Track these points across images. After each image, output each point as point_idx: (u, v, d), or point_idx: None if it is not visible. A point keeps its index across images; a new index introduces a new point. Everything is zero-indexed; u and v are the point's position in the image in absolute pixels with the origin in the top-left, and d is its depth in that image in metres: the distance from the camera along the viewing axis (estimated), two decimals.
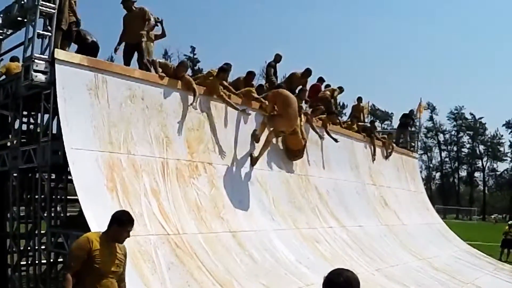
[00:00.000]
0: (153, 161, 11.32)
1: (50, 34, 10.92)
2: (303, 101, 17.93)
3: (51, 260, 11.73)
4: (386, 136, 25.38)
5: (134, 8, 13.51)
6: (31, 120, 13.11)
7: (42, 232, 11.67)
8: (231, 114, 14.09)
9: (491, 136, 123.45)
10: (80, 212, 9.78)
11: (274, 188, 14.56)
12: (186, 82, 12.84)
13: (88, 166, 9.98)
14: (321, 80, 21.35)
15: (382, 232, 18.76)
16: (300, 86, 19.20)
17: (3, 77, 13.33)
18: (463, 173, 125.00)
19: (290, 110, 14.85)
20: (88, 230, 8.95)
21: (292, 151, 15.90)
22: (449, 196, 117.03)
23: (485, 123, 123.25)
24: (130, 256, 9.00)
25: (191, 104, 12.59)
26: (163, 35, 14.52)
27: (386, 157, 23.65)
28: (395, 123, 32.01)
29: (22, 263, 12.52)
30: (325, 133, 18.06)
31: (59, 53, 10.58)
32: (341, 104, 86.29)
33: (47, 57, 10.65)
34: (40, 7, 10.70)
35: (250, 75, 16.61)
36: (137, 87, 11.66)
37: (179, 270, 9.74)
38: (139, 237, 9.62)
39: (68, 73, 10.50)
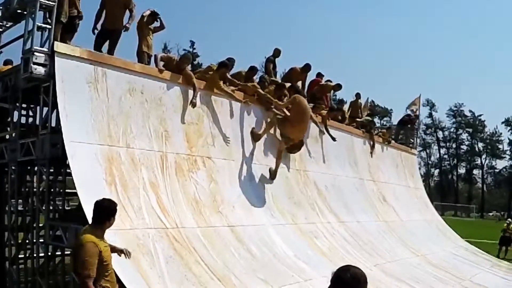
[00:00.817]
0: (152, 155, 11.31)
1: (50, 26, 10.90)
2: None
3: (49, 253, 11.69)
4: (384, 130, 25.43)
5: None
6: (30, 113, 13.06)
7: (40, 225, 11.66)
8: (231, 108, 14.12)
9: (490, 134, 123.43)
10: (79, 205, 9.76)
11: (273, 183, 14.55)
12: (187, 76, 12.84)
13: (87, 159, 9.97)
14: (320, 75, 21.27)
15: (381, 228, 18.77)
16: (300, 81, 19.18)
17: None
18: (462, 170, 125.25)
19: (304, 119, 15.12)
20: (87, 223, 8.96)
21: (291, 145, 15.80)
22: (447, 193, 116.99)
23: (484, 121, 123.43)
24: (128, 249, 9.07)
25: (191, 101, 12.61)
26: (161, 27, 14.51)
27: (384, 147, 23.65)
28: (395, 119, 31.98)
29: (20, 256, 12.51)
30: (324, 129, 18.03)
31: (59, 46, 10.56)
32: (337, 99, 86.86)
33: (46, 49, 10.63)
34: (40, 0, 10.68)
35: (253, 71, 16.47)
36: (136, 81, 11.66)
37: (177, 264, 9.74)
38: (137, 231, 9.64)
39: (68, 66, 10.50)
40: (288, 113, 14.98)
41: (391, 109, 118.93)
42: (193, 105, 12.63)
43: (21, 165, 12.16)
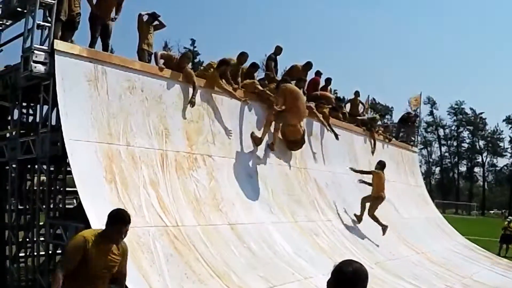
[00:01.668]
0: (152, 153, 11.32)
1: (49, 25, 10.92)
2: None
3: (50, 252, 11.70)
4: (383, 129, 25.42)
5: None
6: (30, 111, 13.07)
7: (40, 223, 11.67)
8: (231, 106, 14.13)
9: (491, 131, 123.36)
10: (79, 203, 9.77)
11: (273, 181, 14.55)
12: (187, 74, 12.86)
13: (87, 157, 9.98)
14: (318, 73, 21.23)
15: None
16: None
17: None
18: (463, 168, 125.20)
19: (299, 103, 15.12)
20: (87, 221, 8.99)
21: (291, 142, 15.91)
22: (448, 191, 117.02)
23: (485, 118, 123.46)
24: (128, 247, 9.05)
25: (190, 99, 12.63)
26: (162, 25, 14.54)
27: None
28: (396, 117, 31.97)
29: (20, 254, 12.53)
30: (328, 127, 18.01)
31: (59, 44, 10.57)
32: (340, 98, 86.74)
33: (46, 48, 10.66)
34: None
35: (254, 68, 16.44)
36: (136, 79, 11.67)
37: (177, 262, 9.73)
38: (137, 229, 9.62)
39: (68, 64, 10.51)
40: (284, 107, 15.02)
41: (392, 107, 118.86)
42: (192, 104, 12.66)
43: (21, 163, 12.18)
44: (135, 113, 11.38)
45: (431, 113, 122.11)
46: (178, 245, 10.14)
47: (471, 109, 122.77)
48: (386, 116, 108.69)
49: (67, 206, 13.03)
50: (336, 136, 18.09)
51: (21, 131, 12.44)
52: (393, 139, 25.68)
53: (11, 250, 12.55)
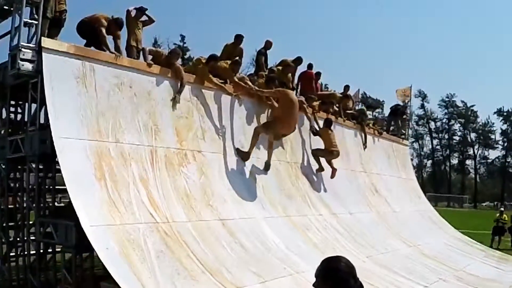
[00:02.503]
0: (141, 150, 11.28)
1: (36, 22, 10.87)
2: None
3: (41, 251, 11.65)
4: (373, 122, 25.45)
5: None
6: (19, 110, 12.99)
7: (31, 222, 11.63)
8: (221, 102, 14.09)
9: (483, 124, 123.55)
10: (69, 202, 9.73)
11: (264, 175, 14.54)
12: (176, 70, 12.83)
13: (76, 155, 9.95)
14: (310, 66, 21.19)
15: (373, 219, 18.77)
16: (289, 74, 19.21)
17: None
18: (455, 161, 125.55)
19: (292, 114, 15.05)
20: (77, 219, 8.96)
21: (283, 135, 15.92)
22: (440, 184, 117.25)
23: (477, 111, 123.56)
24: (119, 244, 9.05)
25: (174, 95, 12.62)
26: (151, 21, 14.48)
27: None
28: (387, 111, 31.92)
29: (11, 254, 12.48)
30: (313, 121, 18.02)
31: (46, 42, 10.55)
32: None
33: (34, 45, 10.61)
34: None
35: (236, 66, 16.13)
36: (125, 75, 11.65)
37: (168, 259, 9.69)
38: (127, 226, 9.62)
39: (55, 62, 10.49)
40: (276, 104, 15.01)
41: (383, 101, 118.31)
42: (176, 100, 12.63)
43: (10, 162, 12.11)
44: (124, 110, 11.34)
45: (422, 106, 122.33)
46: (169, 241, 10.10)
47: (462, 101, 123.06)
48: (377, 110, 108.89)
49: (57, 205, 12.95)
50: (314, 132, 18.06)
51: (10, 130, 12.39)
52: (384, 132, 25.70)
53: (2, 249, 12.50)
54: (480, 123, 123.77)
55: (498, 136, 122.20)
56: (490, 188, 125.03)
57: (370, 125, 24.08)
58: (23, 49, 10.50)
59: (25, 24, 10.85)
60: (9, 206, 12.51)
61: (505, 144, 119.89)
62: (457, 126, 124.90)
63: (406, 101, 31.15)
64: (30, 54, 10.52)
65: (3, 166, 12.34)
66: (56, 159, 10.40)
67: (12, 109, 12.84)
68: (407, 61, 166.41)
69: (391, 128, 27.79)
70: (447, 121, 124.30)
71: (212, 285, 9.76)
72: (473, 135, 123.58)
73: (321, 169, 17.56)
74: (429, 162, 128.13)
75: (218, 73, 14.43)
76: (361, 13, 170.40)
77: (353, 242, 15.58)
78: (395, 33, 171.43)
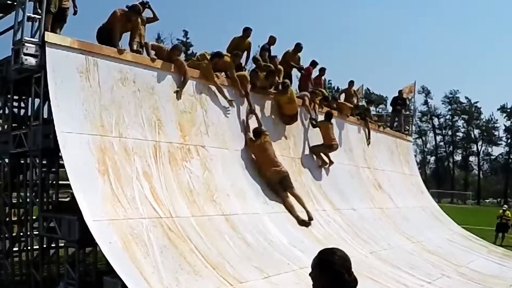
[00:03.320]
0: (145, 144, 11.28)
1: (40, 17, 10.86)
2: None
3: (44, 246, 11.64)
4: (376, 118, 25.44)
5: None
6: (22, 104, 12.99)
7: (34, 217, 11.63)
8: (224, 96, 14.08)
9: (486, 120, 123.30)
10: (72, 196, 9.73)
11: None
12: (179, 65, 12.82)
13: (80, 149, 9.95)
14: (314, 63, 21.20)
15: (376, 215, 18.73)
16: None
17: None
18: (458, 157, 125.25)
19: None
20: (80, 214, 8.95)
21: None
22: (443, 180, 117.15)
23: (480, 107, 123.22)
24: (122, 239, 9.05)
25: (176, 90, 12.65)
26: (155, 18, 14.40)
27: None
28: (390, 107, 31.85)
29: (14, 249, 12.49)
30: (313, 115, 18.05)
31: (50, 36, 10.54)
32: (335, 88, 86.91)
33: (37, 40, 10.60)
34: None
35: (236, 57, 16.10)
36: (128, 70, 11.65)
37: (171, 253, 9.68)
38: (131, 221, 9.62)
39: (59, 56, 10.48)
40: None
41: (387, 97, 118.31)
42: (178, 95, 12.66)
43: (14, 157, 12.12)
44: (127, 105, 11.34)
45: (426, 103, 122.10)
46: (172, 236, 10.10)
47: (466, 98, 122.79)
48: (380, 106, 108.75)
49: (60, 199, 12.95)
50: (313, 122, 18.11)
51: (13, 125, 12.39)
52: (388, 128, 25.67)
53: (5, 245, 12.51)
54: (484, 120, 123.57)
55: (501, 133, 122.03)
56: (493, 184, 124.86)
57: (373, 122, 24.01)
58: (26, 44, 10.50)
59: (29, 18, 10.87)
60: (13, 201, 12.51)
61: (509, 141, 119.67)
62: (460, 123, 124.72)
63: (410, 97, 31.10)
64: (34, 48, 10.52)
65: (6, 161, 12.36)
66: (60, 154, 10.41)
67: (15, 103, 12.85)
68: (411, 57, 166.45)
69: (395, 124, 27.75)
70: (450, 118, 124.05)
71: (215, 279, 9.75)
72: (476, 131, 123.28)
73: (324, 163, 17.63)
74: (432, 159, 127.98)
75: (221, 68, 14.43)
76: (364, 8, 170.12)
77: (356, 237, 15.55)
78: (399, 29, 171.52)
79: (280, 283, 10.68)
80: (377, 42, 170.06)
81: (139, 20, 13.57)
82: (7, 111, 12.64)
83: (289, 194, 14.44)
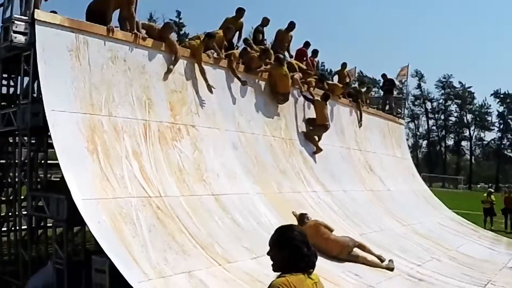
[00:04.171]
0: (135, 123, 11.21)
1: None
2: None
3: (32, 225, 11.61)
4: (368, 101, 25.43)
5: None
6: (11, 83, 12.89)
7: (22, 197, 11.58)
8: (216, 76, 14.06)
9: (479, 106, 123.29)
10: (62, 176, 9.68)
11: (257, 151, 14.53)
12: (170, 43, 12.74)
13: (69, 128, 9.87)
14: (307, 45, 21.17)
15: (367, 197, 18.78)
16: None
17: None
18: (450, 142, 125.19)
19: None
20: (69, 193, 8.90)
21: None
22: (435, 165, 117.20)
23: (474, 93, 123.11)
24: (110, 218, 9.02)
25: (168, 66, 12.53)
26: None
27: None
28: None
29: (3, 229, 12.46)
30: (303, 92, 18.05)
31: (39, 14, 10.40)
32: (328, 70, 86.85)
33: (27, 18, 10.47)
34: None
35: (229, 31, 16.17)
36: (119, 49, 11.54)
37: (160, 233, 9.67)
38: (120, 200, 9.58)
39: (48, 34, 10.36)
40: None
41: (380, 80, 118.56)
42: (169, 71, 12.61)
43: (2, 136, 12.05)
44: (117, 84, 11.25)
45: (419, 86, 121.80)
46: (161, 216, 10.08)
47: (459, 82, 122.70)
48: (374, 89, 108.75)
49: (49, 179, 12.88)
50: (310, 99, 18.17)
51: (2, 103, 12.31)
52: (380, 111, 25.68)
53: None
54: (477, 105, 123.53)
55: (494, 118, 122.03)
56: (485, 169, 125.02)
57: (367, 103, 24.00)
58: (16, 21, 10.35)
59: None
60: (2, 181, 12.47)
61: (501, 126, 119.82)
62: (453, 107, 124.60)
63: (403, 80, 31.09)
64: (23, 26, 10.39)
65: None
66: (48, 133, 10.34)
67: (4, 82, 12.74)
68: (405, 40, 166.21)
69: (386, 107, 27.74)
70: (443, 102, 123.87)
71: (204, 259, 9.76)
72: (469, 116, 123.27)
73: (319, 150, 17.60)
74: (424, 143, 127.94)
75: (212, 47, 14.38)
76: None
77: (347, 219, 15.58)
78: (393, 12, 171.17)
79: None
80: (371, 25, 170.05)
81: None
82: None
83: (358, 253, 13.05)
